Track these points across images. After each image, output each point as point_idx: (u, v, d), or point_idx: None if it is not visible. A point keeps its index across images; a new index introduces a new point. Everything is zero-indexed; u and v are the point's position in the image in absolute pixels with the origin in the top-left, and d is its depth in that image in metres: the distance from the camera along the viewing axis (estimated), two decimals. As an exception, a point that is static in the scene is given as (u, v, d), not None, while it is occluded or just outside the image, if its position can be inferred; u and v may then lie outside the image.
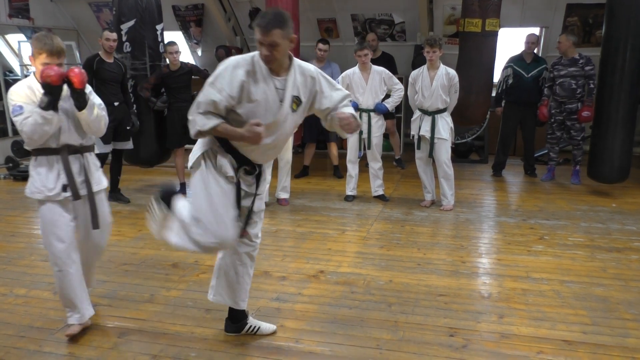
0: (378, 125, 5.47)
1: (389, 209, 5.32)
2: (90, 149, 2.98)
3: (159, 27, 5.76)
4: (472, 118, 5.79)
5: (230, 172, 2.52)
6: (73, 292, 2.85)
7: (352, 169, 5.59)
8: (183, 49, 5.81)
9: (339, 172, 6.62)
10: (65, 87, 2.72)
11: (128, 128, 5.35)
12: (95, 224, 2.89)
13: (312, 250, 4.15)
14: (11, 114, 2.76)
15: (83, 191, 2.86)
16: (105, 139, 5.18)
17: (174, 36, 8.43)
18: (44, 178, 2.81)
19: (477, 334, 2.88)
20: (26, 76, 7.42)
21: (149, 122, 5.69)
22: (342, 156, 6.12)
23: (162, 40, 5.83)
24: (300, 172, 6.65)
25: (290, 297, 3.33)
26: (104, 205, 3.00)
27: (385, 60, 6.79)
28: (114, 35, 5.16)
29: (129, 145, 5.45)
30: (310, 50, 6.79)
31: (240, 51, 8.18)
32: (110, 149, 5.29)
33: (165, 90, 5.64)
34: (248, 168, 2.59)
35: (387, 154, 7.09)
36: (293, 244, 4.25)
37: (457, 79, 5.08)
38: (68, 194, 2.82)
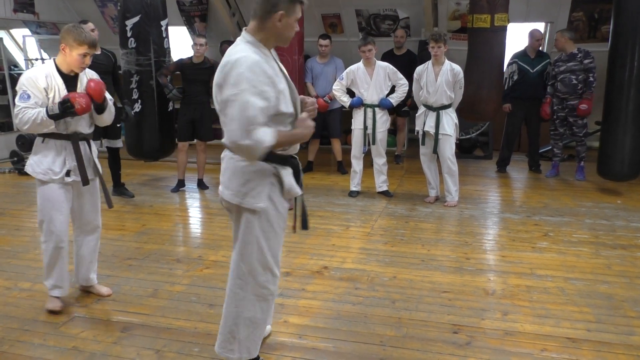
0: (382, 121, 5.46)
1: (393, 204, 5.31)
2: (91, 136, 3.18)
3: (163, 22, 5.75)
4: (485, 113, 5.75)
5: (298, 189, 2.26)
6: (62, 268, 3.08)
7: (357, 164, 5.58)
8: (187, 44, 5.79)
9: (343, 167, 6.61)
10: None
11: (118, 125, 5.27)
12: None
13: (315, 246, 4.15)
14: (17, 96, 2.88)
15: (90, 176, 3.07)
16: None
17: (178, 31, 8.44)
18: (50, 161, 2.97)
19: (481, 331, 2.87)
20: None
21: (153, 116, 5.68)
22: (346, 152, 6.10)
23: (167, 36, 5.82)
24: (304, 167, 6.62)
25: (293, 293, 3.33)
26: (97, 189, 3.19)
27: (409, 59, 6.75)
28: (91, 26, 5.10)
29: (118, 143, 5.43)
30: (314, 46, 6.76)
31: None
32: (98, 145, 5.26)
33: (182, 81, 5.66)
34: (302, 167, 2.32)
35: (391, 150, 7.07)
36: (297, 239, 4.23)
37: (462, 74, 5.06)
38: (71, 178, 2.99)
